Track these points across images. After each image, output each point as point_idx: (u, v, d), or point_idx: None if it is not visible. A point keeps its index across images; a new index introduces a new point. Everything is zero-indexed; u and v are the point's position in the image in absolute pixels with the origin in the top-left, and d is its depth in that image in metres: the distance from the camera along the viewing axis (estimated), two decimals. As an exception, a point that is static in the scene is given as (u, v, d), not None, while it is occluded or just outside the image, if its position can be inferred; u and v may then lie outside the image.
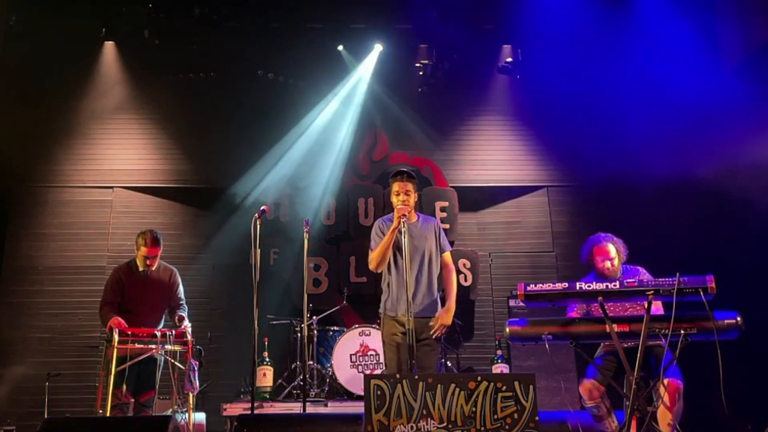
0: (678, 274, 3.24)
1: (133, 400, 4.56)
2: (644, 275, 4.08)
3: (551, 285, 3.40)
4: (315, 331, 6.08)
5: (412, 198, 4.17)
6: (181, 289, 4.98)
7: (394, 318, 4.08)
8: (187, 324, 4.66)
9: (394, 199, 4.18)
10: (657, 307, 3.75)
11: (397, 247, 4.09)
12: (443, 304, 4.18)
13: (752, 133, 5.92)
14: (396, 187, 4.18)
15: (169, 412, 4.86)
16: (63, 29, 6.74)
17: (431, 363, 4.06)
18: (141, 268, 4.80)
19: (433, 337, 4.05)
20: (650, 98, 6.78)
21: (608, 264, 4.14)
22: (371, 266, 4.19)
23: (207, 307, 6.73)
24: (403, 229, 3.96)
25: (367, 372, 5.73)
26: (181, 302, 4.93)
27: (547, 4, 6.73)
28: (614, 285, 3.35)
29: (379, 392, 2.97)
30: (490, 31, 7.27)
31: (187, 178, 7.18)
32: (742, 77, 6.11)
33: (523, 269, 7.09)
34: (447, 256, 4.31)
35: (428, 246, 4.19)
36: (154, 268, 4.83)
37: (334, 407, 5.53)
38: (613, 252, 4.16)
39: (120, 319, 4.48)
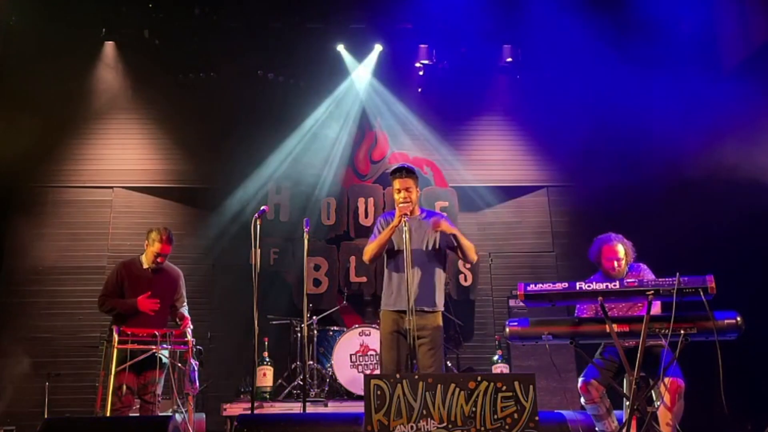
0: (678, 274, 3.24)
1: (137, 399, 4.57)
2: (646, 272, 4.07)
3: (551, 285, 3.39)
4: (315, 331, 6.08)
5: (414, 194, 4.13)
6: (184, 291, 4.98)
7: (395, 313, 4.03)
8: (188, 326, 4.66)
9: (395, 196, 4.16)
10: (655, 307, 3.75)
11: (399, 245, 4.08)
12: (444, 304, 4.18)
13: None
14: (397, 184, 4.15)
15: (169, 412, 4.85)
16: (63, 29, 6.74)
17: (430, 363, 3.97)
18: (147, 266, 4.78)
19: (436, 229, 4.05)
20: (653, 99, 6.77)
21: (615, 264, 4.11)
22: (365, 257, 4.20)
23: (207, 307, 6.72)
24: (404, 228, 3.94)
25: (367, 372, 5.73)
26: (183, 304, 4.93)
27: (546, 3, 6.72)
28: (614, 285, 3.35)
29: (379, 392, 2.96)
30: (490, 31, 7.25)
31: (188, 178, 7.19)
32: (742, 79, 6.10)
33: (523, 269, 7.07)
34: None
35: (430, 241, 4.15)
36: (161, 267, 4.83)
37: (334, 407, 5.53)
38: (621, 253, 4.13)
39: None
